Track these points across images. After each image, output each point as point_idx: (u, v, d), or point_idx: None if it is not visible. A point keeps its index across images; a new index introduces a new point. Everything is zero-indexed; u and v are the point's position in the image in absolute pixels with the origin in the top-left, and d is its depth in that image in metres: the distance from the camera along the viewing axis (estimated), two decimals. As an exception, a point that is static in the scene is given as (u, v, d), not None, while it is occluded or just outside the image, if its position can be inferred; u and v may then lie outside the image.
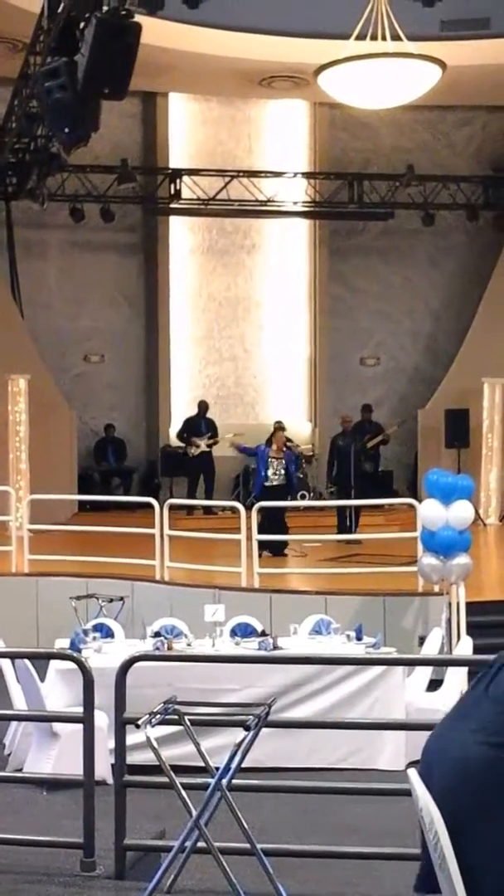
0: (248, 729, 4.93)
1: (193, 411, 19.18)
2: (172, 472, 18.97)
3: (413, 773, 3.59)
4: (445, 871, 3.39)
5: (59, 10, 11.04)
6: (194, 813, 5.11)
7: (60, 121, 10.97)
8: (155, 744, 4.98)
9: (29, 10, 13.57)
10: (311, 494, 18.08)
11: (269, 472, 14.50)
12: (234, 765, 5.08)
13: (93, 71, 10.21)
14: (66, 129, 10.92)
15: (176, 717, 5.26)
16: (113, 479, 19.51)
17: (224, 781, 5.09)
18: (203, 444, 18.33)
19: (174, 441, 19.23)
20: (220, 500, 17.80)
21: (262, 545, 12.31)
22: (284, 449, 15.10)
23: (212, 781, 5.15)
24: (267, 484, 14.47)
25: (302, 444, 19.78)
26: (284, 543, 13.80)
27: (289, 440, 18.15)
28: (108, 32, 10.00)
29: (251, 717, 5.02)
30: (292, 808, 6.70)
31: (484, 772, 3.42)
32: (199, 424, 18.75)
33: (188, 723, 5.26)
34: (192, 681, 7.56)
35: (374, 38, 13.27)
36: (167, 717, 5.18)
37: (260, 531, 12.00)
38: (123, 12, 10.04)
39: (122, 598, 10.88)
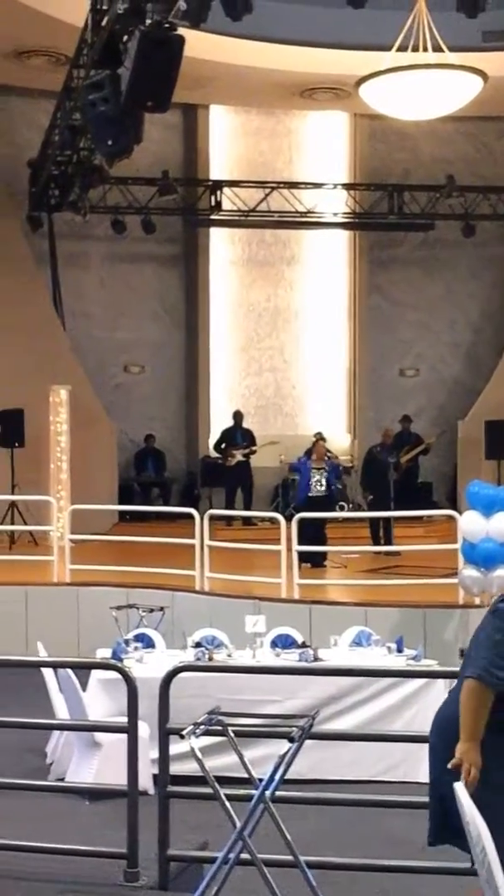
0: (292, 741, 4.92)
1: (232, 422, 19.21)
2: (212, 483, 19.00)
3: (459, 787, 3.57)
4: (492, 887, 3.36)
5: (103, 23, 11.14)
6: (238, 824, 5.10)
7: (104, 133, 11.06)
8: (199, 754, 4.98)
9: (72, 24, 13.70)
10: (350, 506, 18.05)
11: (312, 483, 14.50)
12: (277, 776, 5.08)
13: (136, 84, 10.29)
14: (110, 142, 11.00)
15: (219, 727, 5.26)
16: (153, 489, 19.56)
17: (268, 793, 5.09)
18: (239, 454, 18.34)
19: (213, 452, 19.27)
20: (260, 510, 17.82)
21: (302, 556, 12.29)
22: (325, 459, 15.09)
23: (255, 793, 5.15)
24: (310, 494, 14.46)
25: (341, 455, 19.74)
26: (324, 555, 13.79)
27: (328, 451, 18.15)
28: (152, 45, 10.08)
29: (295, 728, 5.01)
30: (333, 820, 6.68)
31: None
32: (236, 435, 18.77)
33: (232, 734, 5.26)
34: (232, 692, 7.56)
35: (415, 49, 13.28)
36: (211, 727, 5.18)
37: (300, 542, 11.99)
38: (167, 25, 10.12)
39: (162, 609, 10.88)
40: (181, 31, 10.33)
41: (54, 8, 14.71)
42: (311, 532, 13.26)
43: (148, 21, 10.17)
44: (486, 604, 9.93)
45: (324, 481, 14.52)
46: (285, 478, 17.97)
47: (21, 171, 18.21)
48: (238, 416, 19.08)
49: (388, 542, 14.77)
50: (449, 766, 4.18)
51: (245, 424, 19.12)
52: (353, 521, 16.49)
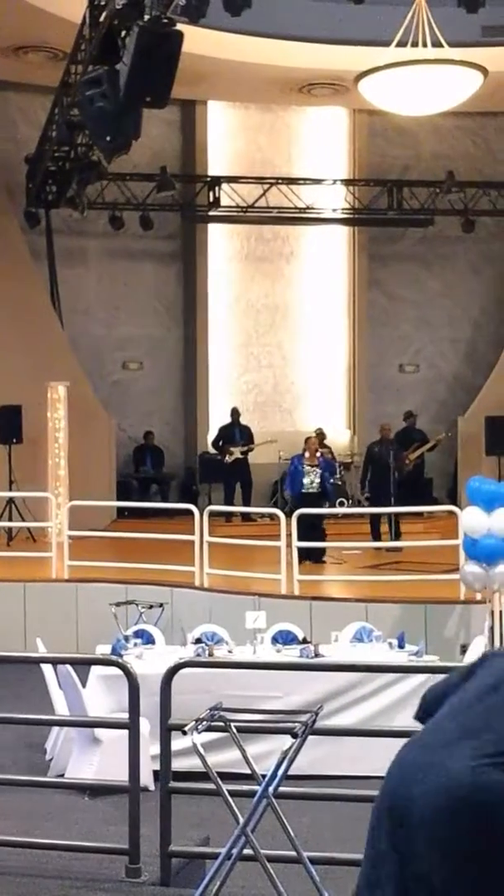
0: (295, 736, 4.89)
1: (230, 419, 19.18)
2: (211, 479, 18.97)
3: None
4: None
5: (101, 18, 11.10)
6: (241, 820, 5.07)
7: (102, 129, 11.01)
8: (202, 750, 4.95)
9: (69, 20, 13.66)
10: (350, 502, 18.02)
11: (306, 480, 14.48)
12: (280, 772, 5.05)
13: (135, 79, 10.24)
14: (108, 138, 10.95)
15: (222, 723, 5.23)
16: (151, 485, 19.53)
17: (271, 789, 5.06)
18: (237, 451, 18.32)
19: (212, 448, 19.25)
20: (258, 506, 17.81)
21: (301, 552, 12.28)
22: (318, 456, 15.07)
23: (258, 789, 5.12)
24: (304, 491, 14.46)
25: (341, 451, 19.73)
26: (323, 550, 13.77)
27: (326, 447, 18.13)
28: (151, 41, 10.03)
29: (298, 724, 4.98)
30: (335, 815, 6.66)
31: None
32: (233, 432, 18.74)
33: (234, 730, 5.23)
34: (233, 688, 7.54)
35: (415, 44, 13.26)
36: (213, 723, 5.15)
37: (298, 539, 11.97)
38: (165, 21, 10.07)
39: (161, 605, 10.89)
40: (180, 26, 10.29)
41: (52, 4, 14.66)
42: (309, 528, 13.23)
43: (146, 16, 10.12)
44: (487, 600, 9.93)
45: (317, 478, 14.51)
46: (284, 474, 17.94)
47: (18, 166, 18.17)
48: (235, 412, 19.05)
49: (396, 537, 14.73)
50: None
51: (244, 421, 19.09)
52: (352, 517, 16.47)
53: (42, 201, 18.12)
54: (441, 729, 3.06)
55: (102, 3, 11.19)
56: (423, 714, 3.28)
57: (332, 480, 15.67)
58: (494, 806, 2.86)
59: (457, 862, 2.88)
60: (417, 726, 3.38)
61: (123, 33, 10.77)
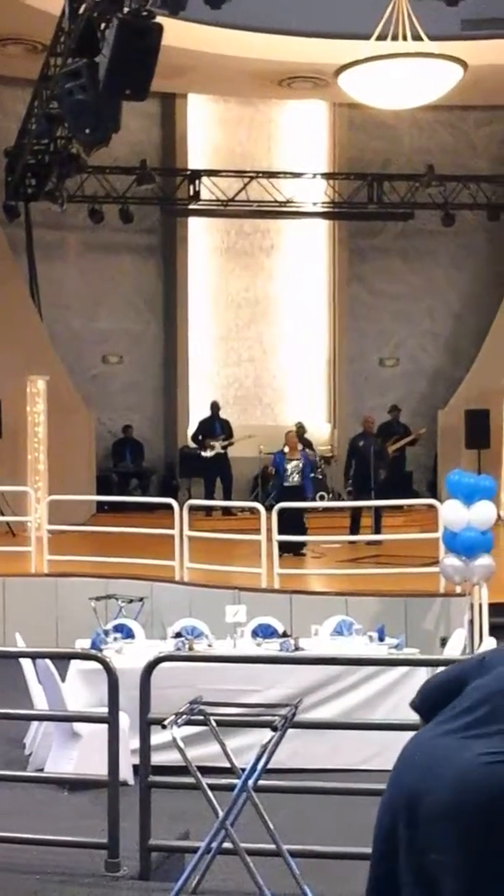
0: (275, 730, 4.89)
1: (209, 412, 19.16)
2: (191, 473, 18.95)
3: None
4: None
5: (81, 11, 11.05)
6: (220, 814, 5.08)
7: (81, 122, 10.97)
8: (181, 744, 4.95)
9: (48, 12, 13.60)
10: (331, 496, 18.04)
11: (286, 474, 14.56)
12: (260, 766, 5.05)
13: (114, 72, 10.21)
14: (87, 130, 10.92)
15: (201, 717, 5.23)
16: (131, 480, 19.50)
17: (250, 783, 5.06)
18: (218, 445, 18.30)
19: (192, 442, 19.22)
20: (238, 500, 17.80)
21: (282, 546, 12.28)
22: (300, 450, 15.13)
23: (237, 782, 5.12)
24: (285, 484, 14.50)
25: (321, 445, 19.75)
26: (303, 543, 13.79)
27: (307, 442, 18.15)
28: (130, 33, 10.01)
29: (277, 717, 4.98)
30: (315, 809, 6.66)
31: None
32: (214, 425, 18.72)
33: (214, 723, 5.23)
34: (213, 682, 7.52)
35: (394, 37, 13.26)
36: (193, 717, 5.15)
37: (279, 531, 11.96)
38: (145, 13, 10.04)
39: (141, 599, 10.86)
40: (159, 19, 10.26)
41: (31, -5, 14.61)
42: (291, 521, 13.25)
43: (126, 9, 10.10)
44: (467, 592, 9.95)
45: (297, 472, 14.57)
46: (264, 468, 17.94)
47: (-2, 159, 18.09)
48: (215, 406, 19.02)
49: (378, 530, 14.75)
50: None
51: (224, 415, 19.07)
52: (333, 510, 16.49)
53: (21, 194, 18.05)
54: (458, 722, 3.08)
55: (82, -5, 11.14)
56: (421, 704, 3.30)
57: (311, 475, 15.70)
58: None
59: (470, 855, 2.91)
60: (397, 719, 3.41)
61: (103, 26, 10.75)
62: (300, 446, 15.71)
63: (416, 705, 3.38)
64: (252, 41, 16.42)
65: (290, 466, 14.68)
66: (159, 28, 10.23)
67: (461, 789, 2.94)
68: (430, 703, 3.31)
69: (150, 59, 10.29)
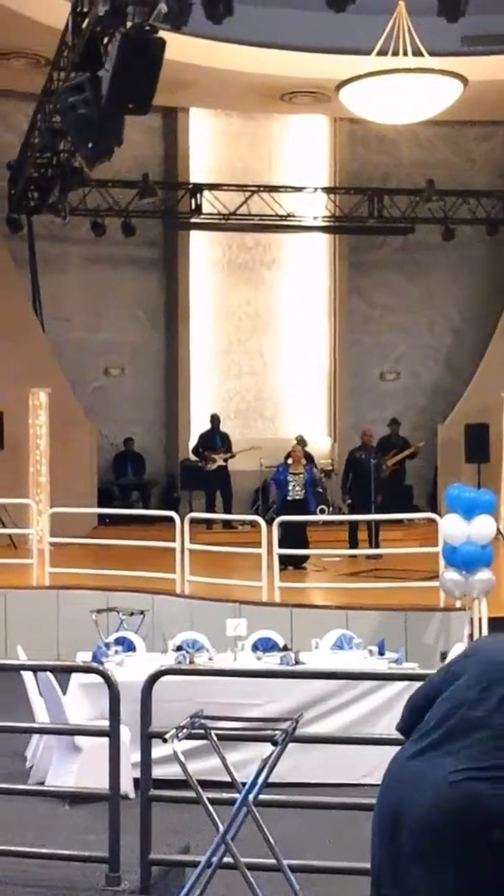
0: (275, 744, 4.90)
1: (209, 425, 19.19)
2: (191, 486, 18.96)
3: None
4: None
5: (84, 25, 11.11)
6: (221, 828, 5.08)
7: (84, 136, 11.02)
8: (182, 758, 4.96)
9: (52, 26, 13.66)
10: (331, 509, 18.05)
11: (289, 487, 14.58)
12: (260, 780, 5.06)
13: (117, 86, 10.26)
14: (90, 144, 10.96)
15: (202, 731, 5.24)
16: (132, 492, 19.51)
17: (251, 797, 5.07)
18: (220, 458, 18.32)
19: (193, 455, 19.24)
20: (239, 513, 17.82)
21: (283, 559, 12.30)
22: (304, 464, 15.14)
23: (238, 797, 5.13)
24: (288, 498, 14.52)
25: (321, 458, 19.77)
26: (304, 556, 13.80)
27: (308, 456, 18.18)
28: (133, 48, 10.06)
29: (278, 732, 4.99)
30: (315, 823, 6.67)
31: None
32: (214, 438, 18.75)
33: (215, 737, 5.24)
34: (214, 695, 7.54)
35: (395, 53, 13.34)
36: (194, 731, 5.16)
37: (280, 545, 11.98)
38: (148, 28, 10.09)
39: (142, 612, 10.87)
40: (162, 33, 10.32)
41: (34, 10, 14.67)
42: (292, 535, 13.28)
43: (129, 24, 10.15)
44: (467, 607, 9.96)
45: (301, 486, 14.59)
46: (265, 481, 17.96)
47: (0, 173, 18.14)
48: (215, 419, 19.06)
49: (376, 544, 14.77)
50: None
51: (225, 428, 19.10)
52: (333, 524, 16.50)
53: (24, 207, 18.10)
54: (427, 740, 3.11)
55: (85, 9, 11.20)
56: (405, 725, 3.33)
57: (312, 489, 15.72)
58: (472, 816, 2.92)
59: (439, 870, 2.95)
60: (397, 734, 3.43)
61: (106, 40, 10.81)
62: (304, 461, 15.73)
63: (399, 728, 3.41)
64: (254, 56, 16.50)
65: (293, 480, 14.69)
66: (162, 43, 10.28)
67: (435, 812, 2.99)
68: (408, 723, 3.33)
69: (152, 74, 10.34)
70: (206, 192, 19.51)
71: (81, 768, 7.35)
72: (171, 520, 12.38)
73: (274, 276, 20.76)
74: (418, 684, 3.46)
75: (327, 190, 20.24)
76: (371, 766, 7.76)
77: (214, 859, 5.12)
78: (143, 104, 10.51)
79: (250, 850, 5.39)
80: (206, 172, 20.14)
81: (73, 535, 14.38)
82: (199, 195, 19.49)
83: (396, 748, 3.23)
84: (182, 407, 20.20)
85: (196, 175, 20.01)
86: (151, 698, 5.65)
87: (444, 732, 3.11)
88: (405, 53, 13.32)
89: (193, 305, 20.31)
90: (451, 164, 20.86)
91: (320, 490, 17.76)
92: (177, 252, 20.25)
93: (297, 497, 14.53)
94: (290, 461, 15.03)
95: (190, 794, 5.23)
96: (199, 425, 19.69)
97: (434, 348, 21.26)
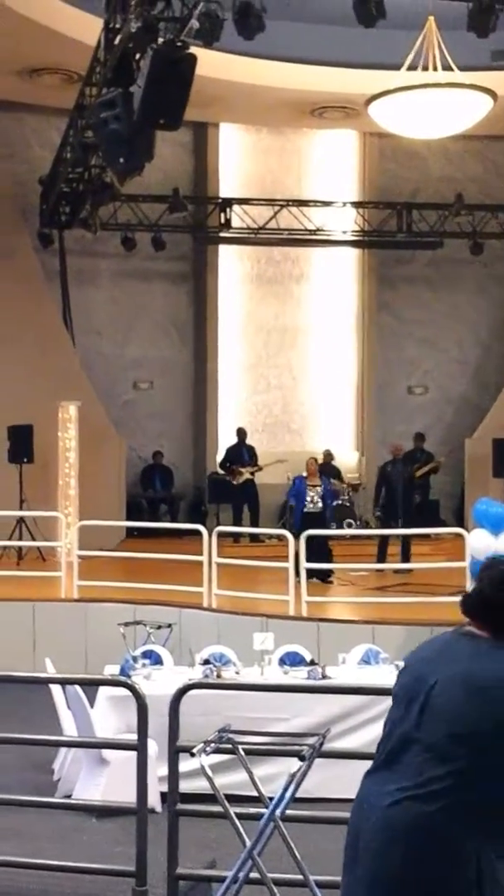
0: (302, 759, 4.91)
1: (236, 439, 19.21)
2: (219, 500, 18.99)
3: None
4: None
5: (116, 41, 11.19)
6: (248, 843, 5.08)
7: (116, 151, 11.11)
8: (209, 772, 4.97)
9: (84, 43, 13.77)
10: (358, 523, 18.02)
11: (307, 500, 14.62)
12: (288, 795, 5.07)
13: (148, 102, 10.35)
14: (122, 159, 11.05)
15: (229, 745, 5.25)
16: (160, 505, 19.56)
17: (278, 812, 5.08)
18: (247, 472, 18.35)
19: (220, 469, 19.27)
20: (266, 527, 17.82)
21: (308, 571, 12.30)
22: (320, 477, 15.18)
23: (265, 811, 5.13)
24: (306, 510, 14.54)
25: (348, 472, 19.75)
26: (330, 570, 13.80)
27: (335, 470, 18.17)
28: (165, 64, 10.14)
29: (305, 747, 5.00)
30: (342, 839, 6.64)
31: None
32: (241, 452, 18.78)
33: (242, 752, 5.25)
34: (240, 709, 7.54)
35: (425, 68, 13.34)
36: (221, 745, 5.17)
37: (307, 559, 11.97)
38: (179, 44, 10.17)
39: (169, 626, 10.88)
40: (193, 49, 10.39)
41: (67, 26, 14.79)
42: (316, 547, 13.27)
43: (161, 40, 10.23)
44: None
45: (318, 498, 14.61)
46: (289, 500, 17.95)
47: (33, 187, 18.28)
48: (241, 432, 19.09)
49: (406, 559, 14.73)
50: None
51: (253, 441, 19.13)
52: (360, 538, 16.48)
53: (55, 222, 18.22)
54: (378, 761, 3.23)
55: (117, 26, 11.29)
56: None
57: (332, 503, 15.74)
58: (412, 836, 2.95)
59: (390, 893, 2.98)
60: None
61: (138, 56, 10.90)
62: (320, 474, 15.75)
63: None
64: (284, 71, 16.56)
65: (311, 493, 14.72)
66: (193, 59, 10.36)
67: (379, 835, 3.09)
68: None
69: (184, 89, 10.42)
70: (235, 207, 19.58)
71: (109, 781, 7.36)
72: (198, 533, 12.40)
73: (302, 291, 20.79)
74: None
75: (356, 204, 20.27)
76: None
77: (241, 874, 5.12)
78: (174, 120, 10.59)
79: (277, 866, 5.39)
80: (236, 187, 20.21)
81: (101, 548, 14.43)
82: (228, 209, 19.57)
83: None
84: (210, 421, 20.24)
85: (225, 190, 20.09)
86: (179, 712, 5.67)
87: (387, 753, 3.21)
88: (435, 68, 13.32)
89: (222, 319, 20.37)
90: (480, 178, 20.85)
91: (347, 504, 17.75)
92: (206, 266, 20.32)
93: (314, 510, 14.57)
94: (305, 474, 15.09)
95: (217, 808, 5.25)
96: (226, 439, 19.73)
97: (462, 363, 21.22)
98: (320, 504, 14.64)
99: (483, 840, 2.96)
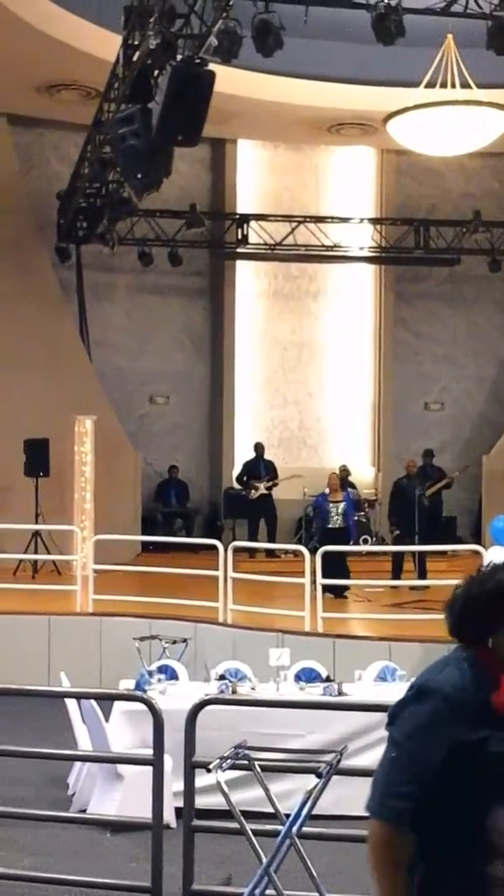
0: (319, 776, 4.89)
1: (254, 454, 19.22)
2: (235, 515, 18.99)
3: None
4: None
5: (135, 58, 11.25)
6: (264, 860, 5.06)
7: (133, 167, 11.17)
8: (226, 788, 4.95)
9: (103, 59, 13.83)
10: (374, 539, 17.99)
11: (330, 516, 14.61)
12: (304, 812, 5.04)
13: (167, 118, 10.39)
14: (139, 175, 11.11)
15: (245, 761, 5.23)
16: (176, 520, 19.56)
17: (294, 829, 5.05)
18: (262, 487, 18.35)
19: (236, 483, 19.27)
20: (282, 542, 17.80)
21: (325, 587, 12.29)
22: (343, 491, 15.15)
23: (281, 828, 5.11)
24: (329, 526, 14.52)
25: (365, 488, 19.72)
26: (346, 585, 13.78)
27: (351, 485, 18.13)
28: (183, 80, 10.19)
29: (322, 764, 4.98)
30: (357, 856, 6.60)
31: None
32: (258, 467, 18.77)
33: (258, 768, 5.23)
34: (256, 725, 7.51)
35: (443, 85, 13.35)
36: (237, 761, 5.15)
37: (323, 574, 11.95)
38: (198, 61, 10.22)
39: (185, 640, 10.87)
40: (212, 66, 10.43)
41: (86, 43, 14.86)
42: (334, 564, 13.23)
43: (179, 56, 10.28)
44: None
45: (341, 514, 14.59)
46: (306, 510, 17.94)
47: (50, 202, 18.36)
48: (259, 447, 19.09)
49: (422, 575, 14.68)
50: None
51: (269, 456, 19.12)
52: (376, 554, 16.44)
53: (73, 237, 18.29)
54: None
55: (136, 42, 11.35)
56: None
57: (355, 517, 15.71)
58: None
59: None
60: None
61: (156, 73, 10.95)
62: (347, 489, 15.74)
63: None
64: (302, 88, 16.60)
65: (333, 509, 14.72)
66: (212, 75, 10.41)
67: None
68: None
69: (202, 106, 10.47)
70: (252, 223, 19.62)
71: (124, 796, 7.34)
72: (214, 548, 12.39)
73: (319, 306, 20.81)
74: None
75: (373, 221, 20.29)
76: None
77: (257, 891, 5.10)
78: (192, 136, 10.64)
79: (293, 883, 5.37)
80: (253, 203, 20.26)
81: (116, 563, 14.43)
82: (245, 225, 19.61)
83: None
84: (226, 435, 20.25)
85: (243, 205, 20.13)
86: (195, 727, 5.65)
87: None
88: (453, 86, 13.34)
89: (239, 335, 20.39)
90: (497, 195, 20.84)
91: (363, 519, 17.71)
92: (223, 281, 20.36)
93: (337, 526, 14.56)
94: (328, 490, 15.07)
95: (233, 824, 5.23)
96: (242, 454, 19.73)
97: (479, 379, 21.19)
98: (341, 520, 14.63)
99: None
